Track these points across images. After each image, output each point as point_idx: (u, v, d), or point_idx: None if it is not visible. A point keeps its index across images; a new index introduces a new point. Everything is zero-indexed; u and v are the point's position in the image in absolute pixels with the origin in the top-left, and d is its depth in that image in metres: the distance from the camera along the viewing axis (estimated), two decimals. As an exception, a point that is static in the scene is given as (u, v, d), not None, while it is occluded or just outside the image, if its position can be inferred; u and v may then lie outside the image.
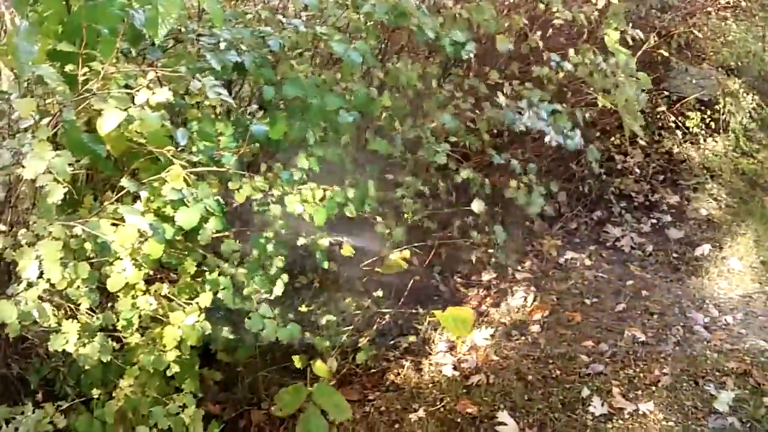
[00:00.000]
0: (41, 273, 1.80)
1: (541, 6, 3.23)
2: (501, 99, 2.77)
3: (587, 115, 3.44)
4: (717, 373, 3.22)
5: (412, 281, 3.05)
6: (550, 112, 2.84)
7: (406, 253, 2.60)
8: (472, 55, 2.64)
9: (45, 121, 1.89)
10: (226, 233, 2.20)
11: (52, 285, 1.83)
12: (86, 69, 1.87)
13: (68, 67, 1.95)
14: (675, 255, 3.97)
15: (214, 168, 2.11)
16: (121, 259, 1.92)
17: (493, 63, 3.07)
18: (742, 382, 3.15)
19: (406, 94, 2.72)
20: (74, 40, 1.88)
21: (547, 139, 2.77)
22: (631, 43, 3.46)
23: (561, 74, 3.17)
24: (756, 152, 4.83)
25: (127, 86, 1.91)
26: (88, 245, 1.89)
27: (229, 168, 2.14)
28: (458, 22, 2.75)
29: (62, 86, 1.80)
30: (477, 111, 2.86)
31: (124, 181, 1.93)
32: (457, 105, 2.83)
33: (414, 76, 2.58)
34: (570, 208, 4.17)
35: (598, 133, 3.96)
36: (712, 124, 4.69)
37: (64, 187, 1.75)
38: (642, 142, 4.20)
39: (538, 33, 3.13)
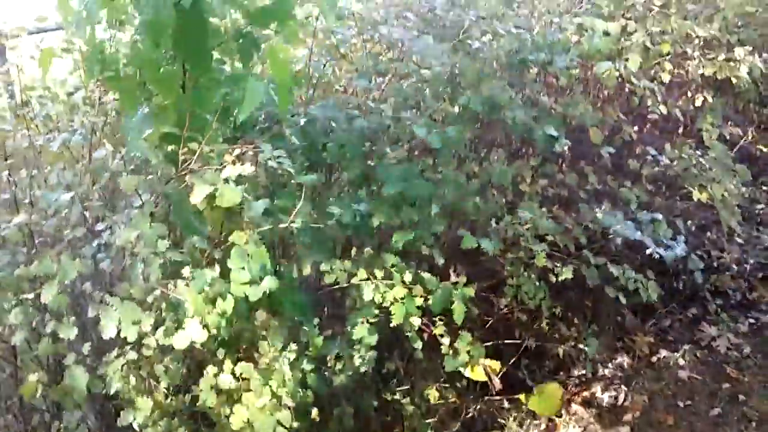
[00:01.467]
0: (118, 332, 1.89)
1: (635, 100, 3.23)
2: (601, 208, 2.75)
3: (681, 208, 3.38)
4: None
5: (498, 374, 2.99)
6: (649, 221, 2.79)
7: (495, 365, 2.52)
8: (566, 148, 2.65)
9: (147, 197, 2.05)
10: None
11: (138, 358, 1.92)
12: (186, 149, 2.00)
13: (171, 148, 2.09)
14: (777, 357, 3.77)
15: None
16: (191, 317, 1.98)
17: (587, 157, 3.06)
18: None
19: (501, 190, 2.74)
20: (181, 125, 2.01)
21: (648, 251, 2.71)
22: (728, 137, 3.41)
23: (656, 168, 3.14)
24: None
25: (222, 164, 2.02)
26: (162, 305, 1.98)
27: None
28: (552, 115, 2.78)
29: (166, 165, 1.94)
30: (572, 214, 2.84)
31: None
32: (550, 208, 2.82)
33: (508, 173, 2.61)
34: (663, 304, 4.03)
35: (693, 228, 3.86)
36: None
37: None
38: (739, 240, 4.06)
39: (634, 127, 3.12)
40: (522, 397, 2.67)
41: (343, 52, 2.77)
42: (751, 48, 3.13)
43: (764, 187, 4.49)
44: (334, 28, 2.60)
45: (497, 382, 2.51)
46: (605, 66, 2.70)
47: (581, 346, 3.37)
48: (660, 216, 2.83)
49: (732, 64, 3.19)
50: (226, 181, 1.93)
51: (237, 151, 2.02)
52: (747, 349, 3.84)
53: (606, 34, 2.75)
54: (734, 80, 3.05)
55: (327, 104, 2.52)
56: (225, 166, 1.96)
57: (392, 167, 2.34)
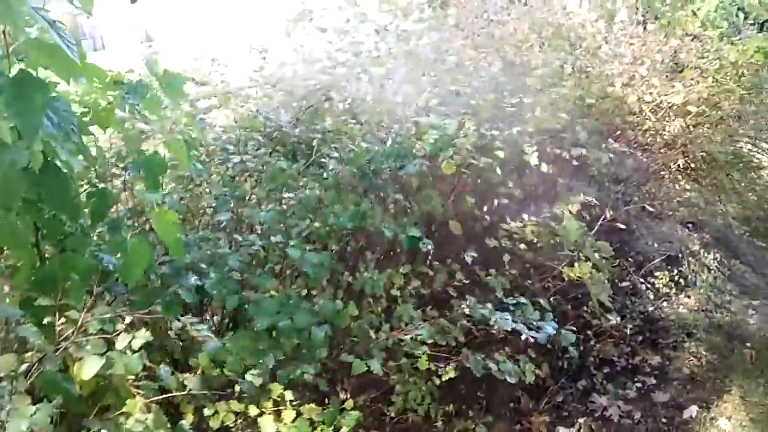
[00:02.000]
0: None
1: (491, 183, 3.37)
2: (467, 302, 2.84)
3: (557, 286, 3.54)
4: None
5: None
6: (515, 305, 2.91)
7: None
8: (430, 247, 2.75)
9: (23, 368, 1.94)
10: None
11: None
12: (63, 319, 1.93)
13: (46, 319, 2.00)
14: (664, 420, 3.91)
15: (181, 393, 2.11)
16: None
17: (452, 249, 3.17)
18: None
19: (376, 298, 2.79)
20: (47, 290, 1.94)
21: (523, 337, 2.81)
22: (587, 216, 3.62)
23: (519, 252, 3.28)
24: (728, 304, 4.91)
25: (102, 329, 1.96)
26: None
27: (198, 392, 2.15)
28: (410, 214, 2.89)
29: (41, 340, 1.86)
30: (447, 312, 2.92)
31: (89, 421, 1.93)
32: (425, 311, 2.89)
33: (380, 281, 2.67)
34: (554, 380, 4.13)
35: (569, 306, 4.03)
36: (681, 281, 4.81)
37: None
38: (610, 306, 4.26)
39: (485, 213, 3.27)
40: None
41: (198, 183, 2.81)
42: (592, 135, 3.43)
43: (632, 254, 4.76)
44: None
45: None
46: (446, 155, 2.85)
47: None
48: (524, 299, 2.95)
49: (584, 152, 3.45)
50: (123, 351, 1.89)
51: (128, 319, 1.99)
52: (637, 414, 3.98)
53: (443, 135, 2.91)
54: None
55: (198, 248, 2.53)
56: (115, 334, 1.92)
57: (265, 300, 2.35)
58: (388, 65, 3.80)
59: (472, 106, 3.34)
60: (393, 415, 2.83)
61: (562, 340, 2.97)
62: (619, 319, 4.55)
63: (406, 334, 2.62)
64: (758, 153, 5.36)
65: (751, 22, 5.69)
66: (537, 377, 4.05)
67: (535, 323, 2.89)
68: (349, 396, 2.77)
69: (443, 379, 2.80)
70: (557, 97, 3.44)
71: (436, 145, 2.86)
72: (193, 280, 2.30)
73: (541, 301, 3.14)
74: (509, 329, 2.79)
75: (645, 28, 5.12)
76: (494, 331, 3.01)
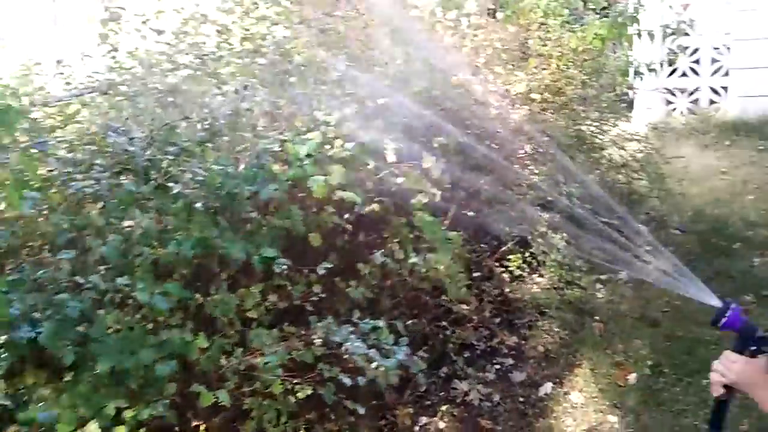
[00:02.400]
0: None
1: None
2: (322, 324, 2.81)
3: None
4: None
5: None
6: (371, 329, 2.91)
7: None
8: (284, 268, 2.68)
9: None
10: None
11: None
12: None
13: None
14: (521, 399, 4.09)
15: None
16: None
17: (314, 262, 3.11)
18: None
19: (231, 323, 2.70)
20: None
21: (374, 365, 2.79)
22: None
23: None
24: (578, 280, 5.17)
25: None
26: None
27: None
28: (266, 231, 2.80)
29: None
30: (303, 330, 2.87)
31: None
32: (283, 331, 2.83)
33: (231, 302, 2.58)
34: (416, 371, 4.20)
35: (428, 298, 4.10)
36: (534, 262, 5.01)
37: None
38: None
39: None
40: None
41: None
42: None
43: (485, 245, 4.88)
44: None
45: None
46: (317, 180, 2.79)
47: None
48: (381, 323, 2.95)
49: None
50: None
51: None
52: (497, 396, 4.13)
53: (309, 155, 2.84)
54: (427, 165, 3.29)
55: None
56: None
57: (107, 338, 2.20)
58: (231, 68, 3.67)
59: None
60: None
61: (411, 367, 2.98)
62: (478, 302, 4.69)
63: (260, 356, 2.55)
64: (600, 135, 5.65)
65: (591, 8, 5.96)
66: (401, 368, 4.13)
67: (388, 347, 2.89)
68: (203, 421, 2.67)
69: (300, 396, 2.76)
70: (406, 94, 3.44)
71: (302, 170, 2.78)
72: (25, 332, 2.11)
73: (398, 323, 3.16)
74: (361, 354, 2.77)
75: (495, 17, 5.25)
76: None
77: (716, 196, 6.61)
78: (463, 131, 3.95)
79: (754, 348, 1.77)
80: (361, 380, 2.81)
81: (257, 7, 3.91)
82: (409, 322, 3.72)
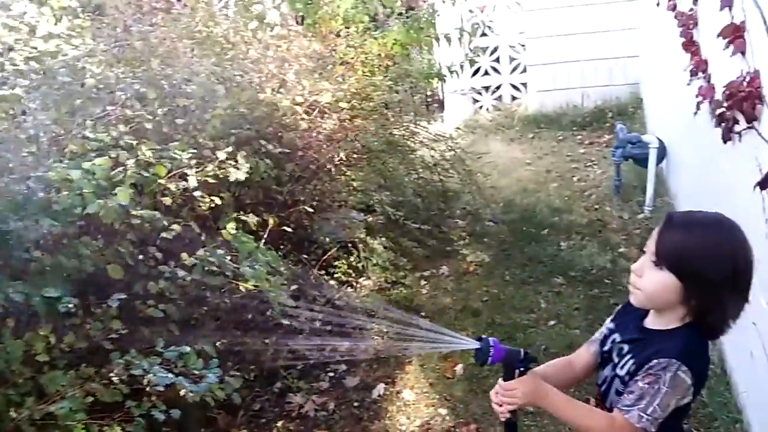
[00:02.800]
0: None
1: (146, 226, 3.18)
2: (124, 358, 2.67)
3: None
4: None
5: None
6: (177, 356, 2.80)
7: None
8: (70, 306, 2.50)
9: None
10: None
11: None
12: None
13: None
14: (356, 404, 4.12)
15: None
16: None
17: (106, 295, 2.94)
18: None
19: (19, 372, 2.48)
20: None
21: (182, 392, 2.69)
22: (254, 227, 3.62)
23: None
24: (403, 279, 5.32)
25: None
26: None
27: None
28: (50, 272, 2.61)
29: None
30: (104, 368, 2.71)
31: None
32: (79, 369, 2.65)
33: (17, 352, 2.37)
34: (249, 389, 4.12)
35: (250, 315, 4.03)
36: (359, 265, 5.09)
37: None
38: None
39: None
40: None
41: None
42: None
43: (311, 254, 4.89)
44: None
45: None
46: (96, 206, 2.62)
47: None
48: (188, 348, 2.85)
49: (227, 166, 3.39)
50: None
51: None
52: (332, 404, 4.14)
53: (91, 180, 2.68)
54: (233, 178, 3.23)
55: None
56: None
57: None
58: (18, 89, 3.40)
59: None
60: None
61: (226, 388, 2.91)
62: (309, 311, 4.68)
63: (57, 402, 2.37)
64: (412, 137, 5.86)
65: (390, 13, 6.17)
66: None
67: (198, 372, 2.80)
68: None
69: (118, 435, 2.61)
70: (211, 115, 3.36)
71: (80, 198, 2.60)
72: None
73: (206, 347, 3.05)
74: (165, 385, 2.66)
75: (302, 24, 5.27)
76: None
77: (524, 187, 7.07)
78: (275, 145, 3.92)
79: (522, 369, 1.91)
80: (175, 413, 2.69)
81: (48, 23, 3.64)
82: (221, 341, 3.61)
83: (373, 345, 4.61)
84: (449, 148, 6.06)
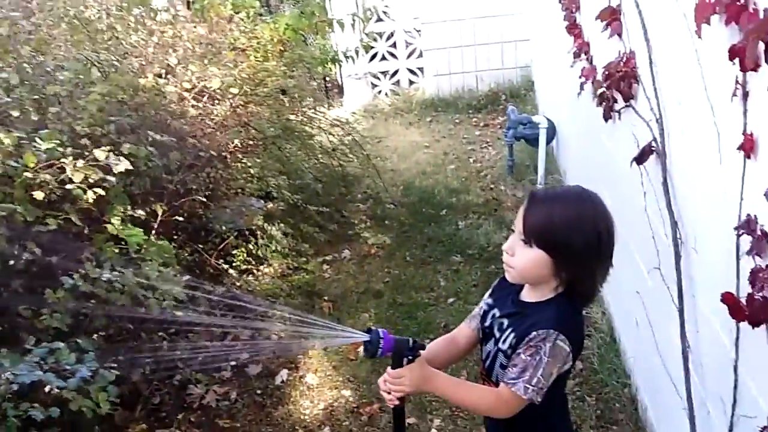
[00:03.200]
0: None
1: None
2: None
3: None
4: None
5: None
6: (47, 352, 2.69)
7: None
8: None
9: None
10: None
11: None
12: None
13: None
14: (258, 392, 4.10)
15: None
16: None
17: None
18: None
19: None
20: None
21: (47, 388, 2.59)
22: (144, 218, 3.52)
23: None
24: (305, 264, 5.31)
25: None
26: None
27: None
28: None
29: None
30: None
31: None
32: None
33: None
34: (147, 383, 4.02)
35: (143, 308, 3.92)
36: (259, 252, 5.05)
37: None
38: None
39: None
40: None
41: None
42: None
43: (208, 243, 4.80)
44: None
45: None
46: None
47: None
48: (61, 344, 2.75)
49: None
50: None
51: None
52: (234, 393, 4.10)
53: None
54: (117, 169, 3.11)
55: None
56: None
57: None
58: None
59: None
60: None
61: (98, 380, 2.81)
62: (208, 302, 4.59)
63: None
64: (308, 124, 5.84)
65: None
66: (130, 383, 3.93)
67: (70, 368, 2.70)
68: None
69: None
70: (85, 101, 3.21)
71: None
72: None
73: (79, 340, 2.94)
74: (30, 381, 2.55)
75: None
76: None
77: (422, 169, 7.18)
78: (161, 133, 3.80)
79: (410, 357, 1.93)
80: (55, 411, 2.59)
81: None
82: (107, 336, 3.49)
83: (262, 346, 4.59)
84: (347, 132, 6.07)
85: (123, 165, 2.98)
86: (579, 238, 1.78)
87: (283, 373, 4.23)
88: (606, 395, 3.74)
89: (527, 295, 1.97)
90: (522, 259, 1.84)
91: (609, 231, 1.82)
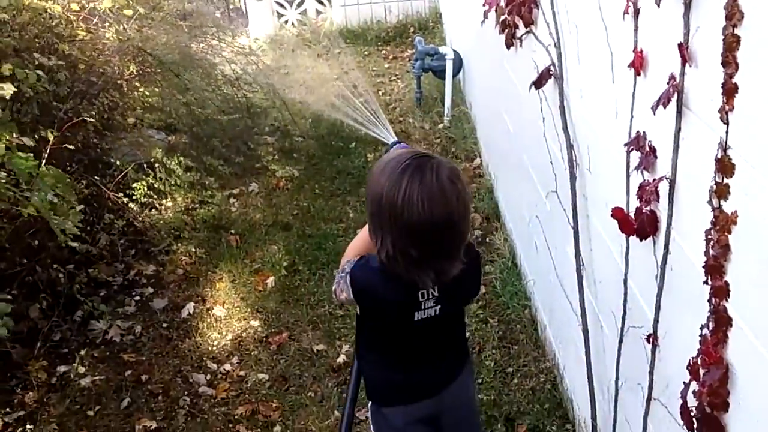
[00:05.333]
0: None
1: None
2: None
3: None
4: (231, 426, 3.39)
5: None
6: None
7: None
8: None
9: None
10: None
11: None
12: None
13: None
14: (165, 325, 4.03)
15: None
16: None
17: None
18: (253, 423, 3.39)
19: None
20: None
21: None
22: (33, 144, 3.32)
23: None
24: (211, 198, 5.20)
25: None
26: None
27: None
28: None
29: None
30: None
31: None
32: None
33: None
34: (47, 320, 3.89)
35: (37, 241, 3.76)
36: (161, 186, 4.89)
37: None
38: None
39: None
40: None
41: None
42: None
43: (109, 176, 4.61)
44: None
45: None
46: None
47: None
48: None
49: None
50: None
51: None
52: (138, 328, 4.02)
53: None
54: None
55: None
56: None
57: None
58: None
59: None
60: None
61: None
62: (108, 238, 4.44)
63: None
64: (211, 51, 5.62)
65: None
66: (28, 320, 3.79)
67: None
68: None
69: None
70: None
71: None
72: None
73: None
74: None
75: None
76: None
77: (331, 102, 7.08)
78: (49, 57, 3.57)
79: None
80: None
81: None
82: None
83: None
84: (252, 62, 5.88)
85: (8, 89, 2.78)
86: (368, 204, 1.90)
87: (190, 306, 4.17)
88: (507, 317, 3.89)
89: None
90: None
91: (391, 203, 1.77)
